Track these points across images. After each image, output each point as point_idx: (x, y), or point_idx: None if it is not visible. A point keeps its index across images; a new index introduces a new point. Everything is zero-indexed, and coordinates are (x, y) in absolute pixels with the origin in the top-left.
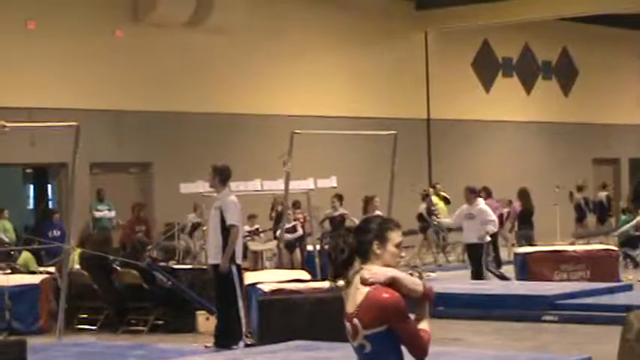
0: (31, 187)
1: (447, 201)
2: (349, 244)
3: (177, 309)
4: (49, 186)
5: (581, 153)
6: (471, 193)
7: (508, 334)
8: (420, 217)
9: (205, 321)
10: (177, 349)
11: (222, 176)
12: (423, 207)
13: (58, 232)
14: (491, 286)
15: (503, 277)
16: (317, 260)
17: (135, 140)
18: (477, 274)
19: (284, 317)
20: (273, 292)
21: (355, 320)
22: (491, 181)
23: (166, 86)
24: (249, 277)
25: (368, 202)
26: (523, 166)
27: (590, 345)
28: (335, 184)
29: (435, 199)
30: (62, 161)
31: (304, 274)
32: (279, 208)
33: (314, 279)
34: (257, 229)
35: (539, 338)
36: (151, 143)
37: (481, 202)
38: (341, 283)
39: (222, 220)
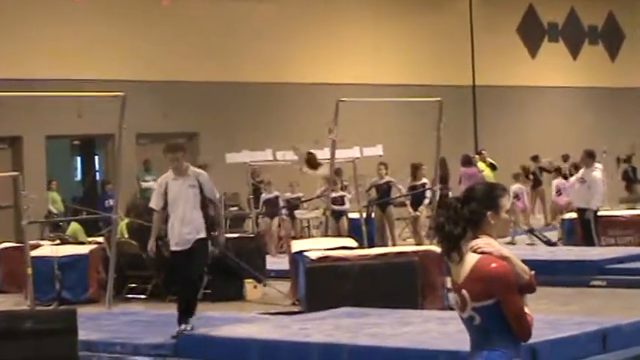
0: (78, 158)
1: (493, 167)
2: (462, 216)
3: (225, 277)
4: (96, 157)
5: (628, 118)
6: (588, 157)
7: (556, 298)
8: None
9: (253, 289)
10: (225, 317)
11: (186, 152)
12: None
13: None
14: (538, 251)
15: (549, 243)
16: (363, 228)
17: (181, 111)
18: (586, 239)
19: (331, 284)
20: (320, 259)
21: (464, 291)
22: (537, 146)
23: (212, 56)
24: (297, 245)
25: (416, 169)
26: (569, 131)
27: (639, 309)
28: (381, 153)
29: (481, 165)
30: (109, 132)
31: (351, 242)
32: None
33: (360, 246)
34: (299, 197)
35: (587, 303)
36: (196, 113)
37: (597, 170)
38: (455, 256)
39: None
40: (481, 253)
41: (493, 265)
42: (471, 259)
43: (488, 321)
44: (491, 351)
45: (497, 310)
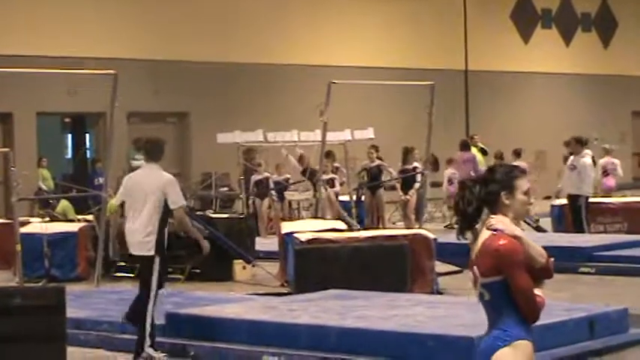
0: (69, 136)
1: (484, 152)
2: (477, 195)
3: (215, 258)
4: (87, 135)
5: (621, 105)
6: (577, 144)
7: (545, 285)
8: None
9: (242, 270)
10: (213, 297)
11: None
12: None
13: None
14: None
15: (539, 229)
16: (353, 210)
17: (172, 90)
18: (576, 225)
19: (320, 266)
20: (310, 241)
21: (475, 268)
22: (528, 132)
23: (205, 36)
24: (286, 227)
25: (407, 153)
26: (561, 117)
27: (626, 296)
28: (372, 136)
29: (473, 150)
30: (100, 110)
31: (341, 224)
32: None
33: (350, 228)
34: (287, 179)
35: (575, 290)
36: (188, 93)
37: (587, 156)
38: (469, 235)
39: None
40: (493, 230)
41: (502, 241)
42: (483, 236)
43: (497, 298)
44: (500, 330)
45: (505, 287)
